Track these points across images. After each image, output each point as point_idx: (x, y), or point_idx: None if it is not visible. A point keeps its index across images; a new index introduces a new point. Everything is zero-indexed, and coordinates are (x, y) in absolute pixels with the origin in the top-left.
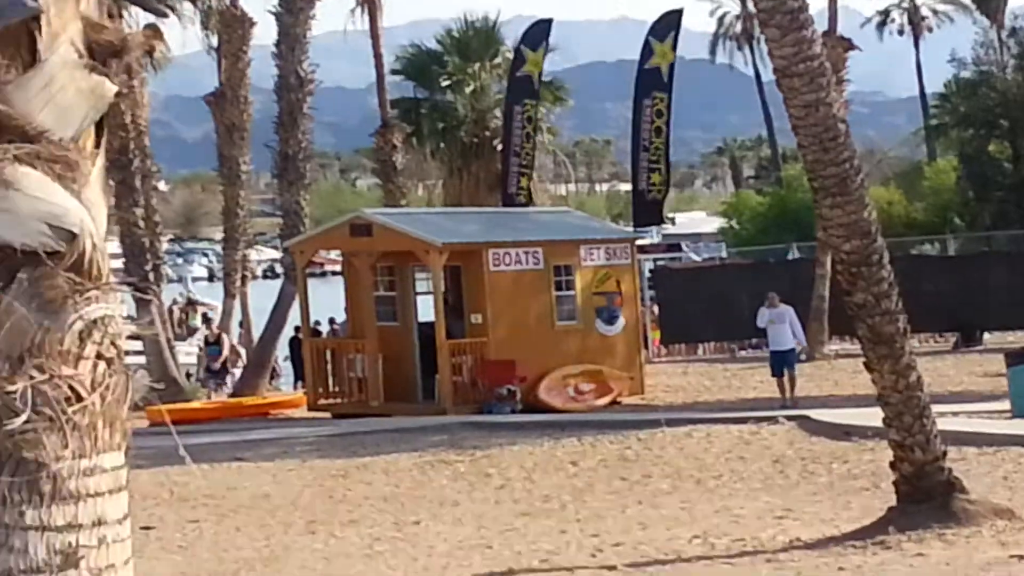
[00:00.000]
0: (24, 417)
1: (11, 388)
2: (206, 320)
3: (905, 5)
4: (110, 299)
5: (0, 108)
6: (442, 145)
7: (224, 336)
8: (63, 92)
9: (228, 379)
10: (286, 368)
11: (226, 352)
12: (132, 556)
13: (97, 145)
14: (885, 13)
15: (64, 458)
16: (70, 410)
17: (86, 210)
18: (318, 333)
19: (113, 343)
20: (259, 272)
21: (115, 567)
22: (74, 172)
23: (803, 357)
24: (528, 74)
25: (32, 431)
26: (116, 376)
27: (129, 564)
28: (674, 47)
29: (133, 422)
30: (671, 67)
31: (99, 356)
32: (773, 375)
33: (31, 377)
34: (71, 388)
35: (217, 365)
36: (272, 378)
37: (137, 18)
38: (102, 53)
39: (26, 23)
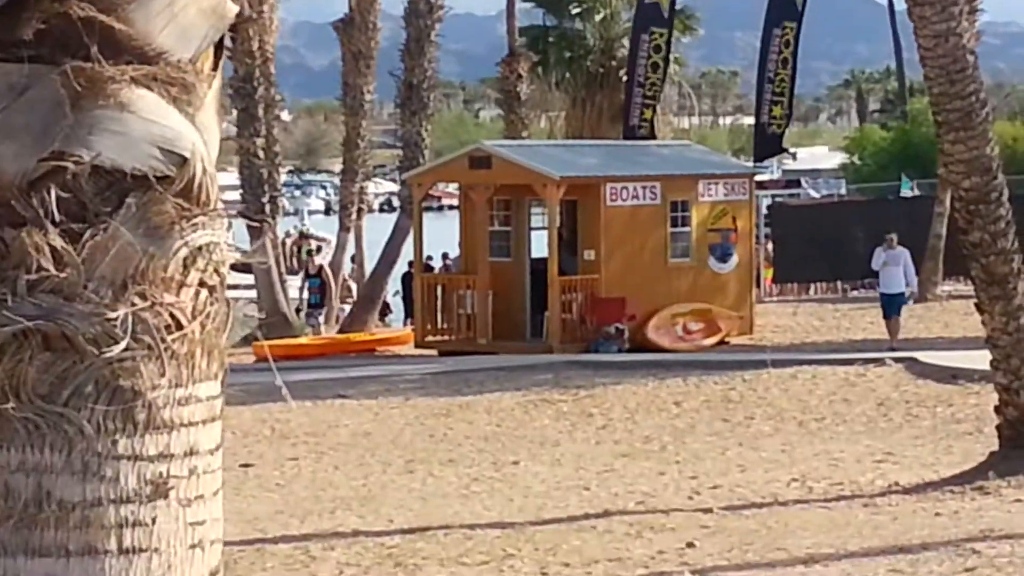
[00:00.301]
0: (123, 345)
1: (112, 315)
2: (310, 253)
3: None
4: (216, 226)
5: (120, 28)
6: (567, 75)
7: (325, 269)
8: (184, 12)
9: (323, 312)
10: (396, 304)
11: (334, 286)
12: (222, 487)
13: (215, 67)
14: None
15: (160, 387)
16: (169, 338)
17: (199, 134)
18: (430, 268)
19: (217, 271)
20: (375, 205)
21: (204, 498)
22: (190, 95)
23: (910, 302)
24: (657, 1)
25: (130, 359)
26: (217, 304)
27: (218, 495)
28: None
29: (240, 357)
30: None
31: (202, 283)
32: (885, 317)
33: (132, 304)
34: (171, 316)
35: (331, 300)
36: (383, 315)
37: None
38: None
39: None
